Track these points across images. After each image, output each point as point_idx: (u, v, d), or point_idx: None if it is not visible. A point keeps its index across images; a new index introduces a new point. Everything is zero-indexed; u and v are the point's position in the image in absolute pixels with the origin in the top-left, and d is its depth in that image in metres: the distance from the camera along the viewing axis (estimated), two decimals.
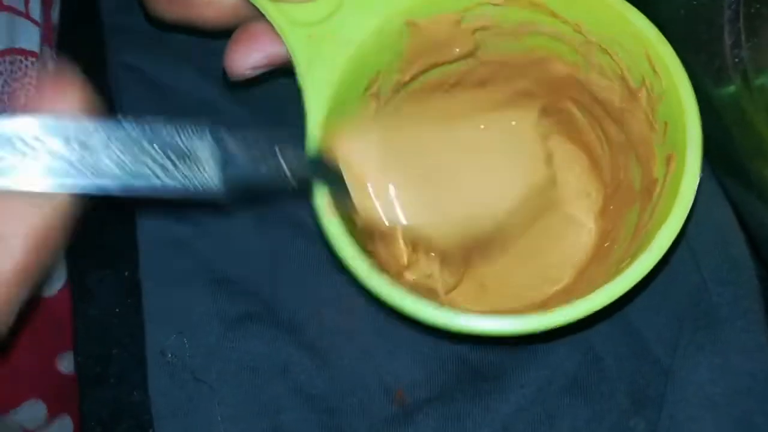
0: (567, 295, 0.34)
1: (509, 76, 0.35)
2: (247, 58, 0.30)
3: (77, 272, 0.40)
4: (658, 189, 0.30)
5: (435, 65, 0.34)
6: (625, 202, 0.34)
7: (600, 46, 0.31)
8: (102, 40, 0.43)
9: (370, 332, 0.36)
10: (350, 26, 0.30)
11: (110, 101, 0.42)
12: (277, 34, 0.30)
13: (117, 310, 0.39)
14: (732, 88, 0.31)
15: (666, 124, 0.30)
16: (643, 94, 0.31)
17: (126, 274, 0.39)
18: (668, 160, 0.30)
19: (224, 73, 0.31)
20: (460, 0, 0.31)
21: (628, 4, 0.30)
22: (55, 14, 0.44)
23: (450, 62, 0.34)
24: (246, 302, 0.37)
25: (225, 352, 0.36)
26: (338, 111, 0.31)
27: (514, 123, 0.35)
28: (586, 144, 0.37)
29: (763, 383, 0.33)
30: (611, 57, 0.31)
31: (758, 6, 0.30)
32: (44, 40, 0.42)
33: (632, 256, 0.28)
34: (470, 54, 0.34)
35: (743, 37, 0.30)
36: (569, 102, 0.35)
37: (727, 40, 0.31)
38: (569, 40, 0.32)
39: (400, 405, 0.35)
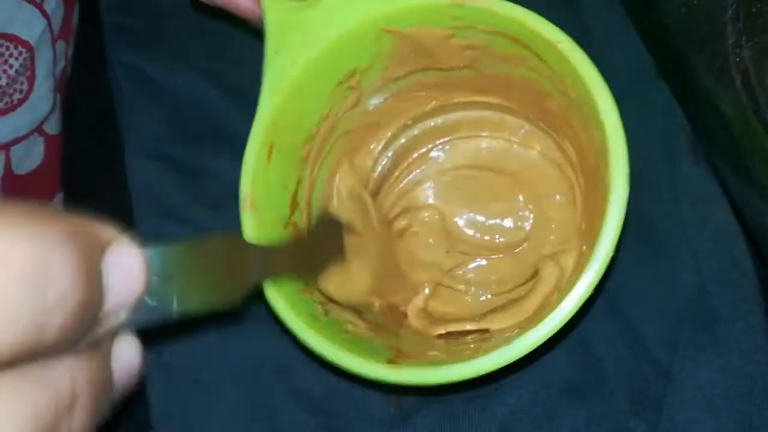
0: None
1: (510, 94, 0.34)
2: None
3: None
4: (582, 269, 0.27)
5: (430, 68, 0.34)
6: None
7: (578, 104, 0.30)
8: (102, 40, 0.43)
9: None
10: (322, 23, 0.30)
11: (110, 101, 0.42)
12: None
13: None
14: (733, 87, 0.31)
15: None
16: (602, 163, 0.29)
17: None
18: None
19: None
20: (442, 20, 0.31)
21: (603, 87, 0.28)
22: (76, 13, 0.43)
23: (446, 69, 0.34)
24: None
25: (223, 353, 0.36)
26: (299, 102, 0.31)
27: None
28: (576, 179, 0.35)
29: (763, 385, 0.33)
30: (584, 117, 0.30)
31: (759, 5, 0.30)
32: (60, 35, 0.42)
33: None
34: (467, 67, 0.33)
35: (744, 37, 0.30)
36: (566, 139, 0.34)
37: (728, 40, 0.31)
38: (557, 86, 0.31)
39: (398, 406, 0.35)
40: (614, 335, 0.35)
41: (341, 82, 0.33)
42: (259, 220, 0.30)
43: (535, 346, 0.27)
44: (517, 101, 0.35)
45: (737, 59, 0.31)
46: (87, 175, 0.45)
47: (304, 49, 0.31)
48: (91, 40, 0.43)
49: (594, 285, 0.27)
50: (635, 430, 0.34)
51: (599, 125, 0.28)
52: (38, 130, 0.42)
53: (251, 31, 0.32)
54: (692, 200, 0.36)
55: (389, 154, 0.38)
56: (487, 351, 0.27)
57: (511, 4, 0.29)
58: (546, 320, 0.26)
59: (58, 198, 0.44)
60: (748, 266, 0.34)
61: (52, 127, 0.43)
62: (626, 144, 0.28)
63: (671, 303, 0.35)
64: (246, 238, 0.29)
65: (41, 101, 0.41)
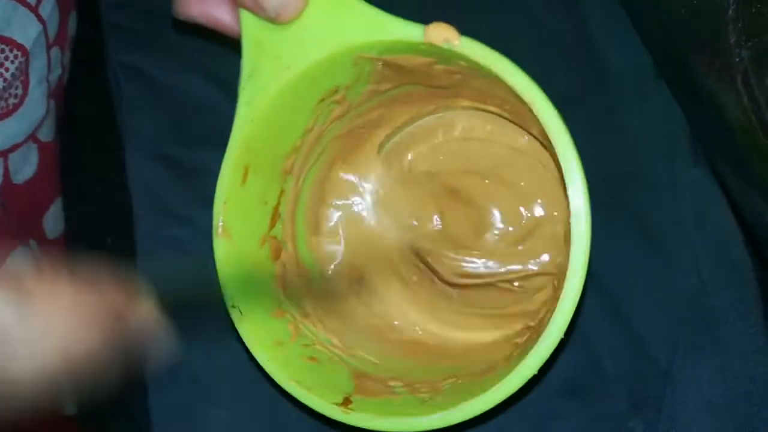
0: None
1: (508, 108, 0.33)
2: (190, 8, 0.31)
3: None
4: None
5: (419, 83, 0.33)
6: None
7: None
8: (102, 40, 0.43)
9: None
10: (292, 52, 0.29)
11: (110, 101, 0.42)
12: (228, 8, 0.30)
13: None
14: (733, 87, 0.31)
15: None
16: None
17: None
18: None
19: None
20: (420, 52, 0.29)
21: (573, 157, 0.27)
22: (72, 22, 0.43)
23: (437, 87, 0.33)
24: None
25: (223, 353, 0.36)
26: (275, 124, 0.31)
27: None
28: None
29: (762, 386, 0.33)
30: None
31: (759, 5, 0.30)
32: (55, 42, 0.41)
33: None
34: (458, 84, 0.32)
35: (744, 37, 0.30)
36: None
37: (729, 40, 0.31)
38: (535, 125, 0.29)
39: None
40: (614, 335, 0.35)
41: (323, 99, 0.32)
42: (231, 245, 0.31)
43: (479, 412, 0.27)
44: (515, 115, 0.34)
45: (737, 59, 0.31)
46: (86, 175, 0.45)
47: (275, 76, 0.30)
48: (91, 40, 0.43)
49: (547, 354, 0.27)
50: (634, 430, 0.34)
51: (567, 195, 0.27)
52: (32, 137, 0.41)
53: (233, 48, 0.31)
54: (692, 200, 0.36)
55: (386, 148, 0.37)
56: (437, 406, 0.28)
57: (487, 52, 0.27)
58: (493, 389, 0.27)
59: (57, 203, 0.44)
60: (747, 267, 0.34)
61: (45, 134, 0.42)
62: (590, 228, 0.26)
63: (671, 303, 0.35)
64: (218, 264, 0.31)
65: (35, 107, 0.41)
